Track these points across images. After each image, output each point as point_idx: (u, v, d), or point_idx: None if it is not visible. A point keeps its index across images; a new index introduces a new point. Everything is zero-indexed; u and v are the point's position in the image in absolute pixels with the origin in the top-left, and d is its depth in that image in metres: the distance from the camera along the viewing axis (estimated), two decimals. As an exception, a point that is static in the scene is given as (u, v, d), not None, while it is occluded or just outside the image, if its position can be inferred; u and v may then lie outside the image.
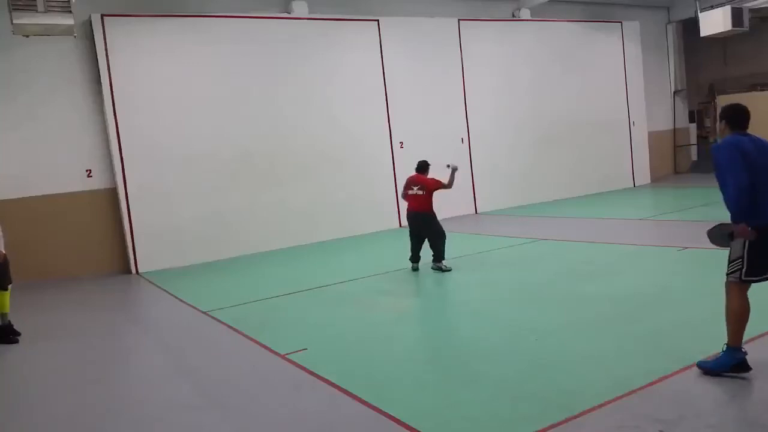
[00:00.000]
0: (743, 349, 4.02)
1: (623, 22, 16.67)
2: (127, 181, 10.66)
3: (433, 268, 8.40)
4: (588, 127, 16.03)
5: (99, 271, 10.70)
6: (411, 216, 8.64)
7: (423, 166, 8.75)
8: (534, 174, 15.14)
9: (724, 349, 4.07)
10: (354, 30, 12.77)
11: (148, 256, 10.77)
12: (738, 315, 4.02)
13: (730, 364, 4.01)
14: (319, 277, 8.83)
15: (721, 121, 4.34)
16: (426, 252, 8.47)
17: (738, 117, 4.26)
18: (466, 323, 6.23)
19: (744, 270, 4.01)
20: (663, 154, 18.40)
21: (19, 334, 6.70)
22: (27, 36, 8.47)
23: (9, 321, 6.69)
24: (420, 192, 8.49)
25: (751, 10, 14.68)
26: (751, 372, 4.02)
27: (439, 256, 8.39)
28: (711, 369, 4.09)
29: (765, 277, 4.05)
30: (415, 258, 8.57)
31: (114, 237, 10.86)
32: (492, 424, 3.78)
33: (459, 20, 14.09)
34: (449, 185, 8.47)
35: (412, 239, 8.60)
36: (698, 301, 5.95)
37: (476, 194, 14.19)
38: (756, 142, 4.15)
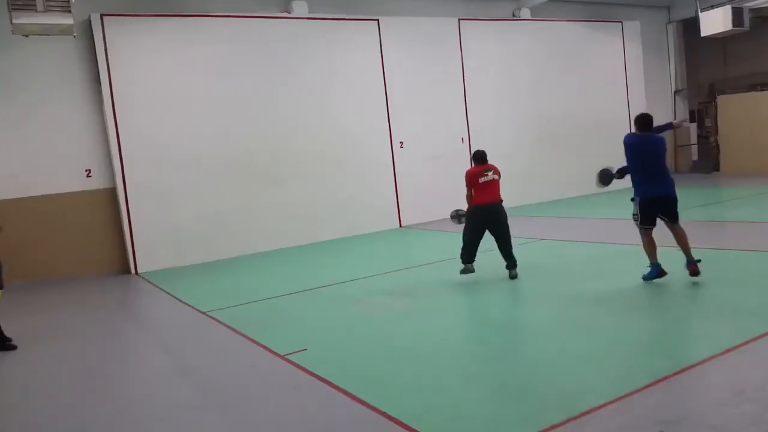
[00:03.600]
0: (658, 262, 6.32)
1: (623, 22, 16.66)
2: (126, 181, 10.66)
3: (512, 276, 7.51)
4: (588, 127, 16.01)
5: (99, 271, 10.70)
6: (488, 208, 7.47)
7: (484, 156, 7.78)
8: (534, 174, 15.13)
9: (649, 265, 6.39)
10: (354, 30, 12.76)
11: (147, 256, 10.77)
12: (647, 245, 6.38)
13: (655, 274, 6.33)
14: (319, 277, 8.82)
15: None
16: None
17: (643, 122, 6.38)
18: (465, 323, 6.23)
19: (640, 221, 6.39)
20: (663, 154, 18.36)
21: (10, 340, 6.45)
22: (27, 36, 8.47)
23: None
24: (496, 177, 7.55)
25: (751, 10, 14.68)
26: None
27: (514, 258, 7.61)
28: (648, 278, 6.36)
29: (653, 225, 6.39)
30: (473, 256, 7.59)
31: (114, 237, 10.86)
32: (492, 424, 3.78)
33: (459, 20, 14.08)
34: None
35: (474, 236, 7.53)
36: (698, 301, 5.94)
37: (476, 194, 14.19)
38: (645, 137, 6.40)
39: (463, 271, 7.60)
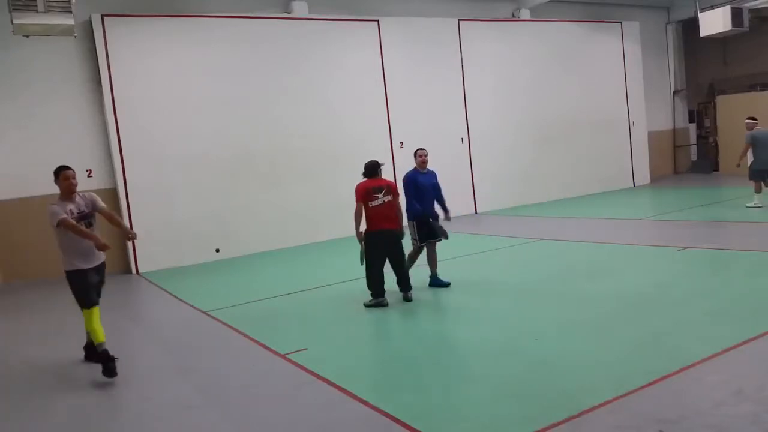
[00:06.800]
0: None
1: (623, 22, 16.67)
2: (127, 181, 10.66)
3: (407, 299, 6.90)
4: (588, 127, 16.03)
5: (99, 271, 10.69)
6: (385, 235, 6.72)
7: (375, 167, 7.00)
8: (534, 174, 15.14)
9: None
10: (354, 30, 12.77)
11: (148, 256, 10.77)
12: (410, 261, 7.32)
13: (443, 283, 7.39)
14: (319, 277, 8.83)
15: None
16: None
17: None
18: (465, 323, 6.23)
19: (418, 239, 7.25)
20: (663, 154, 18.41)
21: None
22: (27, 36, 8.46)
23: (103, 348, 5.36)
24: (389, 199, 6.78)
25: (751, 10, 14.68)
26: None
27: (408, 278, 6.98)
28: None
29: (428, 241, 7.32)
30: (382, 289, 6.78)
31: (114, 237, 10.81)
32: (492, 424, 3.78)
33: (459, 20, 14.09)
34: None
35: (380, 264, 6.76)
36: (698, 301, 5.95)
37: (476, 194, 14.18)
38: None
39: (375, 304, 6.72)
